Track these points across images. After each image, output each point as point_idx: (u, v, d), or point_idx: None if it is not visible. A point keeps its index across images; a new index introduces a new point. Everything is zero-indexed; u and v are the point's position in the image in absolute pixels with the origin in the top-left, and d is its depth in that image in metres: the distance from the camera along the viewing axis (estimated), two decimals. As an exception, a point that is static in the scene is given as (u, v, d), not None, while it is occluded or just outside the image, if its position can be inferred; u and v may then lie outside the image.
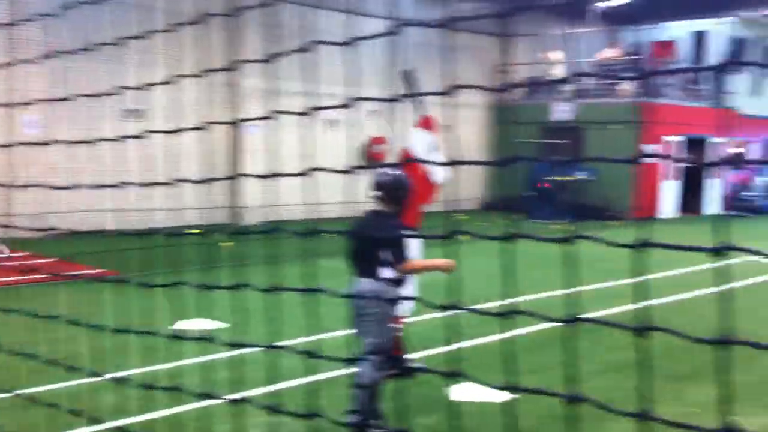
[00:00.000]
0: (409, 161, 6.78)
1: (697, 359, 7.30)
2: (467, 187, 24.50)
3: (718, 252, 1.34)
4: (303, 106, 1.98)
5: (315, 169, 1.73)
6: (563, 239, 1.55)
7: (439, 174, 7.06)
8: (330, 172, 1.71)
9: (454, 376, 2.05)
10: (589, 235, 1.60)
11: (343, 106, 1.75)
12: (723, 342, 1.36)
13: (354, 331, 5.52)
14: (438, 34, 22.45)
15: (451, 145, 18.29)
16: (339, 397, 5.87)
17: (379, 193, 5.54)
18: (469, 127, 25.01)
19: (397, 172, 5.76)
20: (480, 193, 25.48)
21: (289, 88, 18.49)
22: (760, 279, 12.42)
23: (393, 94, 1.71)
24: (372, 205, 5.61)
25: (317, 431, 5.36)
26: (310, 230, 1.94)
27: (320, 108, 1.77)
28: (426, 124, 7.19)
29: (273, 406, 2.31)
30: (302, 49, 1.73)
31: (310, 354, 2.32)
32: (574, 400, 1.54)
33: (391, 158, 19.58)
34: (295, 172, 1.91)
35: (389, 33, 1.67)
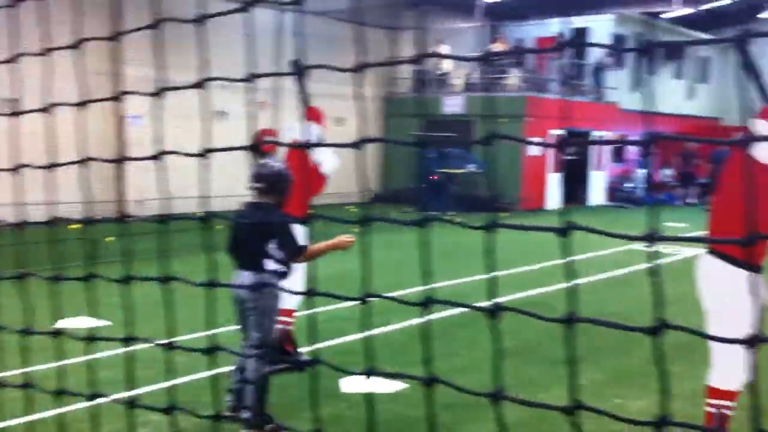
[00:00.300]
0: (294, 145, 6.66)
1: (582, 344, 7.50)
2: (358, 179, 24.51)
3: (564, 232, 1.36)
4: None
5: (164, 153, 1.67)
6: (417, 222, 1.54)
7: (327, 165, 7.01)
8: (180, 155, 1.65)
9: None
10: (441, 217, 1.60)
11: (197, 85, 1.69)
12: (569, 320, 1.38)
13: (239, 326, 5.43)
14: (325, 26, 22.38)
15: (338, 136, 18.24)
16: (204, 396, 5.73)
17: (260, 185, 5.43)
18: (357, 120, 25.03)
19: (278, 163, 5.68)
20: (371, 185, 25.57)
21: (178, 78, 18.03)
22: (644, 266, 12.86)
23: (246, 74, 1.66)
24: (252, 198, 5.50)
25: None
26: (168, 216, 1.88)
27: (170, 88, 1.71)
28: (313, 115, 7.13)
29: (133, 400, 2.23)
30: (150, 26, 1.66)
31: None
32: (431, 382, 1.54)
33: (279, 150, 19.38)
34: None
35: (240, 9, 1.62)
